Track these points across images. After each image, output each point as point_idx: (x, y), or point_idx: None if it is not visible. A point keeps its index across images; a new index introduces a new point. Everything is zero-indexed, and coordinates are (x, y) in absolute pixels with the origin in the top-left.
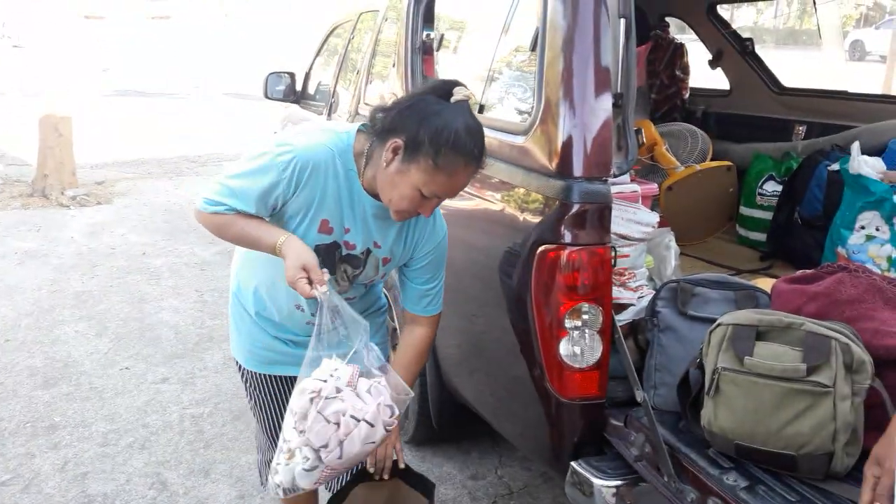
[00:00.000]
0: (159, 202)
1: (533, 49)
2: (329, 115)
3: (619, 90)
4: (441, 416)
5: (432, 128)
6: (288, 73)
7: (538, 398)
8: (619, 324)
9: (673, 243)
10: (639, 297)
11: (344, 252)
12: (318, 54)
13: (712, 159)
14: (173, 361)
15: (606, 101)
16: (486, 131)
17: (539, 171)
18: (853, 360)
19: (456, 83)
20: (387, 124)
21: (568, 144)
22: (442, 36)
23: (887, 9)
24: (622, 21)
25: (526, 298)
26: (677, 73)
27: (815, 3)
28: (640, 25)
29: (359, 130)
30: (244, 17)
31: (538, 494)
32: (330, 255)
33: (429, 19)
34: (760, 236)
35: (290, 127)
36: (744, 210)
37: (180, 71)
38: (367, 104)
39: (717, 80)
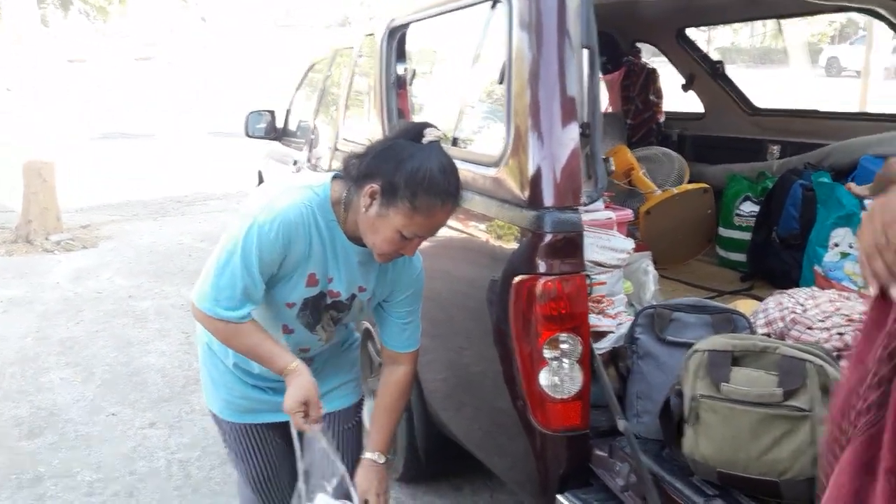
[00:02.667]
0: (145, 244)
1: (501, 82)
2: (310, 150)
3: (585, 120)
4: (429, 452)
5: (407, 171)
6: (268, 111)
7: (522, 430)
8: (598, 352)
9: (651, 268)
10: (618, 324)
11: (329, 301)
12: (297, 90)
13: (689, 182)
14: (160, 405)
15: (573, 131)
16: (460, 164)
17: (511, 202)
18: (829, 382)
19: (426, 125)
20: (362, 170)
21: (538, 175)
22: (414, 71)
23: (860, 24)
24: (586, 51)
25: (505, 329)
26: (651, 97)
27: (779, 22)
28: (612, 52)
29: (334, 178)
30: (225, 52)
31: None
32: (316, 306)
33: (402, 54)
34: (740, 257)
35: (273, 164)
36: (722, 231)
37: (164, 112)
38: (345, 140)
39: (692, 103)
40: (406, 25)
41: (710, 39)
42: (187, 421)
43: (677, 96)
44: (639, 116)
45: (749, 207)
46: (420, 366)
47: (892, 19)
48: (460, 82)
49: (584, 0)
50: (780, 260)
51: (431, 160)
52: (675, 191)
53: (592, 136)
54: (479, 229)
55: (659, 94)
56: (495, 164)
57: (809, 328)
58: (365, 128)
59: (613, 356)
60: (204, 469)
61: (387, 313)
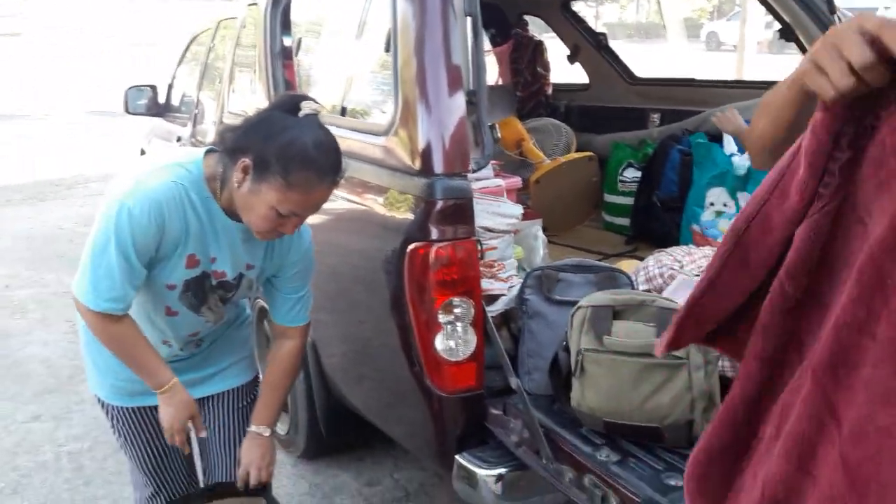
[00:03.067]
0: (21, 230)
1: (387, 50)
2: (194, 125)
3: (471, 87)
4: (330, 426)
5: (279, 145)
6: (149, 86)
7: (420, 395)
8: (491, 314)
9: (541, 233)
10: (509, 288)
11: (214, 282)
12: (179, 65)
13: (577, 151)
14: (44, 397)
15: (460, 99)
16: (350, 133)
17: (402, 170)
18: None
19: (304, 97)
20: (235, 143)
21: (427, 143)
22: (300, 40)
23: (737, 1)
24: (469, 19)
25: (401, 297)
26: (539, 70)
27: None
28: (501, 25)
29: (207, 153)
30: (100, 31)
31: (434, 493)
32: (200, 287)
33: (287, 24)
34: (624, 221)
35: (156, 141)
36: (607, 197)
37: (37, 91)
38: (230, 113)
39: (579, 74)
40: None
41: (597, 15)
42: (77, 412)
43: (565, 68)
44: (528, 88)
45: (631, 174)
46: (319, 339)
47: None
48: (347, 52)
49: None
50: (662, 222)
51: (306, 134)
52: (562, 160)
53: (478, 104)
54: (371, 199)
55: (546, 67)
56: (384, 133)
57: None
58: (250, 101)
59: (506, 318)
60: (97, 459)
61: (276, 289)
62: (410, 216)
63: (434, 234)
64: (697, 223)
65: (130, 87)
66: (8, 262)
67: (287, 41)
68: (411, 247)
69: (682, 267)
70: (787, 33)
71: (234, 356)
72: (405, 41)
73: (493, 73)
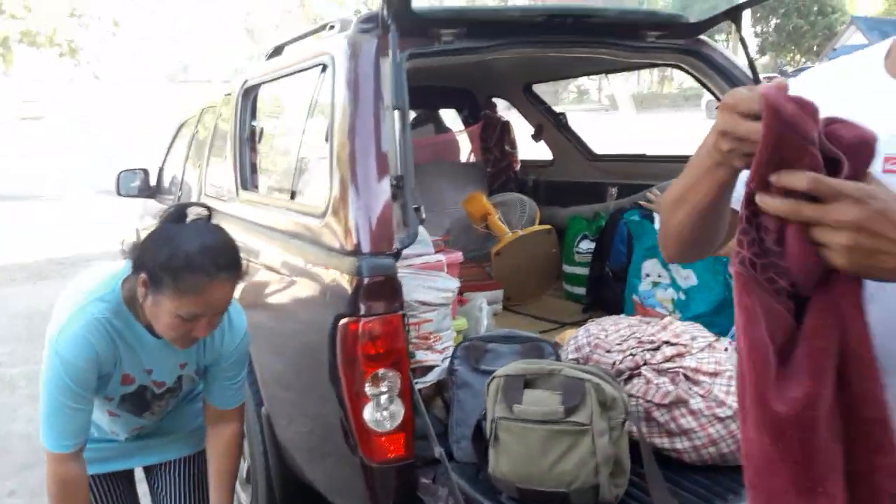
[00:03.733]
0: (20, 308)
1: (327, 140)
2: (210, 218)
3: (399, 173)
4: (287, 499)
5: (164, 256)
6: (141, 169)
7: (355, 466)
8: (424, 384)
9: (485, 305)
10: (443, 359)
11: (157, 391)
12: (170, 148)
13: (541, 223)
14: (23, 473)
15: (386, 184)
16: (296, 216)
17: (335, 250)
18: (606, 398)
19: (189, 205)
20: (135, 262)
21: (356, 224)
22: (262, 129)
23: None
24: (397, 112)
25: (335, 370)
26: (506, 147)
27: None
28: (471, 107)
29: (125, 280)
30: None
31: None
32: (139, 399)
33: (254, 113)
34: (581, 290)
35: (148, 220)
36: (566, 268)
37: (53, 172)
38: (207, 195)
39: (546, 151)
40: (258, 86)
41: (600, 87)
42: None
43: (535, 145)
44: (497, 165)
45: (586, 245)
46: (272, 412)
47: (693, 73)
48: (298, 139)
49: (396, 68)
50: (613, 291)
51: (192, 240)
52: (522, 233)
53: (405, 188)
54: (311, 276)
55: (513, 145)
56: (322, 215)
57: (608, 351)
58: (222, 183)
59: (439, 388)
60: None
61: (213, 377)
62: (342, 292)
63: (362, 309)
64: (637, 293)
65: (123, 171)
66: (5, 340)
67: (253, 127)
68: (342, 322)
69: (606, 336)
70: None
71: (187, 427)
72: (341, 131)
73: (465, 151)
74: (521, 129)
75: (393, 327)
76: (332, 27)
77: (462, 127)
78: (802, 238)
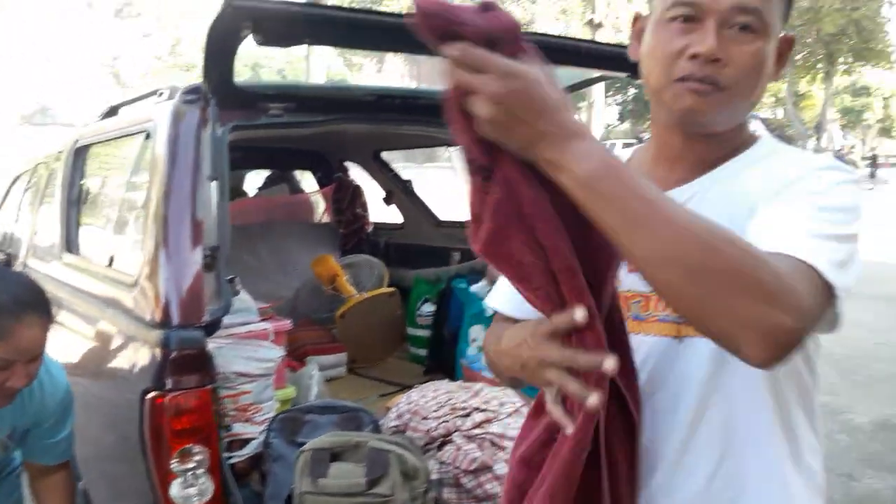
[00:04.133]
0: None
1: (143, 207)
2: (7, 264)
3: (215, 243)
4: None
5: None
6: None
7: None
8: (240, 458)
9: (316, 372)
10: (262, 431)
11: None
12: (3, 201)
13: (390, 285)
14: None
15: (198, 255)
16: (110, 285)
17: (143, 322)
18: (409, 469)
19: None
20: None
21: (165, 295)
22: (89, 190)
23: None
24: (214, 183)
25: (142, 446)
26: (358, 210)
27: None
28: (325, 170)
29: None
30: None
31: None
32: None
33: (84, 173)
34: (423, 352)
35: None
36: (409, 330)
37: None
38: (34, 257)
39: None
40: (88, 146)
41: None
42: None
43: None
44: (349, 226)
45: (428, 308)
46: (91, 486)
47: None
48: (119, 204)
49: (216, 140)
50: (450, 354)
51: None
52: (366, 295)
53: (219, 259)
54: (122, 347)
55: (365, 208)
56: (133, 285)
57: (425, 418)
58: (48, 243)
59: (256, 461)
60: None
61: (35, 438)
62: (149, 366)
63: (169, 383)
64: (465, 357)
65: None
66: None
67: (81, 189)
68: (149, 396)
69: (425, 403)
70: None
71: None
72: (156, 198)
73: (319, 212)
74: (375, 191)
75: (202, 402)
76: (161, 94)
77: (317, 188)
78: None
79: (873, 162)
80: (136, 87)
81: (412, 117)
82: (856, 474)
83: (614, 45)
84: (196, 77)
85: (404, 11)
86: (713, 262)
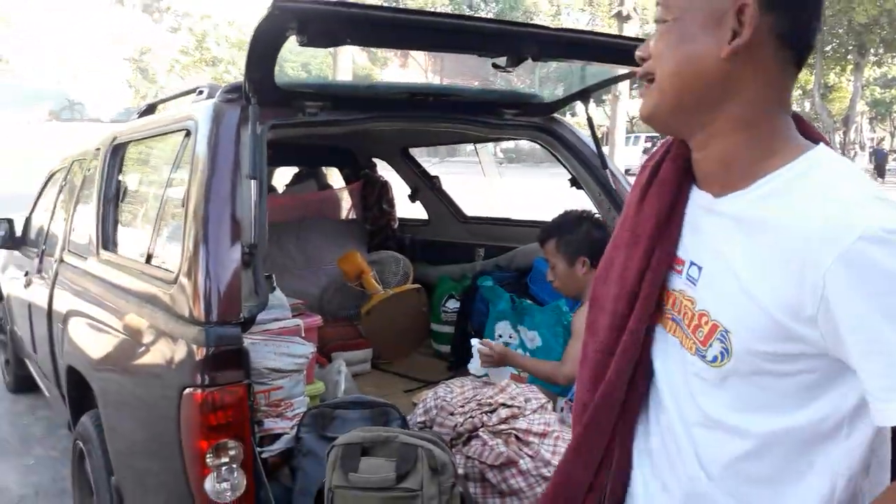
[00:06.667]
0: None
1: (183, 204)
2: (40, 261)
3: (253, 241)
4: None
5: None
6: (5, 219)
7: None
8: (271, 454)
9: (344, 368)
10: (293, 426)
11: None
12: (38, 199)
13: (415, 281)
14: None
15: (237, 252)
16: (150, 281)
17: (182, 318)
18: (437, 463)
19: None
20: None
21: (203, 292)
22: (126, 187)
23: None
24: (253, 182)
25: (178, 440)
26: (385, 206)
27: None
28: (352, 166)
29: None
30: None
31: None
32: None
33: (121, 170)
34: (447, 349)
35: (12, 271)
36: (434, 326)
37: None
38: (70, 251)
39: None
40: (126, 143)
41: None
42: None
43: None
44: (376, 223)
45: (453, 305)
46: (123, 482)
47: (546, 147)
48: (158, 203)
49: (255, 138)
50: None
51: None
52: (391, 292)
53: (257, 256)
54: (160, 343)
55: (391, 204)
56: (173, 281)
57: (451, 413)
58: (85, 240)
59: (287, 456)
60: None
61: None
62: (187, 362)
63: (205, 379)
64: None
65: None
66: None
67: (119, 187)
68: (185, 392)
69: (452, 399)
70: (575, 183)
71: None
72: (196, 196)
73: (346, 209)
74: (401, 188)
75: (237, 398)
76: (200, 92)
77: (343, 184)
78: None
79: None
80: (163, 83)
81: (443, 114)
82: None
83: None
84: (222, 72)
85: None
86: None
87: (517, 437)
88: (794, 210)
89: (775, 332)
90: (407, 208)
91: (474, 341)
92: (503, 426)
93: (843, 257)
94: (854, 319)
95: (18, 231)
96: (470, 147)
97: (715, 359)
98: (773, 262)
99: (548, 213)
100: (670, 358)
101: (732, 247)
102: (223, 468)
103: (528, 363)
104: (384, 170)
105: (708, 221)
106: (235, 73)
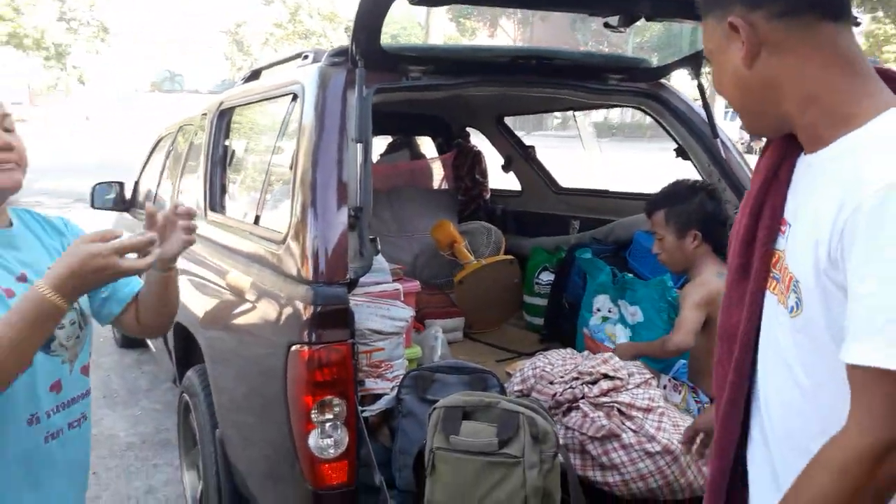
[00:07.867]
0: None
1: (291, 167)
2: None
3: (358, 204)
4: None
5: None
6: (117, 182)
7: (300, 492)
8: (372, 413)
9: (440, 334)
10: (393, 387)
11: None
12: (146, 162)
13: (506, 253)
14: None
15: (344, 215)
16: (259, 241)
17: (290, 277)
18: (539, 432)
19: None
20: None
21: (311, 253)
22: (234, 151)
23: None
24: (359, 146)
25: (285, 396)
26: (477, 177)
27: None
28: (445, 135)
29: None
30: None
31: None
32: None
33: (228, 135)
34: (540, 321)
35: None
36: (526, 298)
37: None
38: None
39: (516, 182)
40: (233, 108)
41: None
42: None
43: (506, 175)
44: (468, 193)
45: (546, 277)
46: (227, 435)
47: (652, 115)
48: (265, 165)
49: (362, 102)
50: (570, 323)
51: None
52: (484, 262)
53: (362, 219)
54: (268, 302)
55: (484, 174)
56: (281, 242)
57: (551, 382)
58: (192, 201)
59: (386, 416)
60: None
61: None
62: (295, 320)
63: (312, 337)
64: (587, 327)
65: (98, 184)
66: None
67: (226, 150)
68: (293, 348)
69: (552, 369)
70: (682, 153)
71: (78, 486)
72: (304, 160)
73: (438, 178)
74: (493, 159)
75: (342, 356)
76: (305, 57)
77: (436, 154)
78: None
79: None
80: (257, 55)
81: (546, 79)
82: None
83: None
84: (314, 44)
85: None
86: None
87: (620, 411)
88: (855, 166)
89: (825, 281)
90: (500, 179)
91: None
92: (605, 398)
93: (867, 201)
94: (859, 261)
95: (128, 194)
96: (557, 121)
97: (791, 309)
98: (831, 212)
99: (648, 188)
100: (769, 313)
101: (808, 198)
102: (327, 424)
103: (644, 348)
104: (477, 139)
105: (801, 180)
106: (327, 46)
